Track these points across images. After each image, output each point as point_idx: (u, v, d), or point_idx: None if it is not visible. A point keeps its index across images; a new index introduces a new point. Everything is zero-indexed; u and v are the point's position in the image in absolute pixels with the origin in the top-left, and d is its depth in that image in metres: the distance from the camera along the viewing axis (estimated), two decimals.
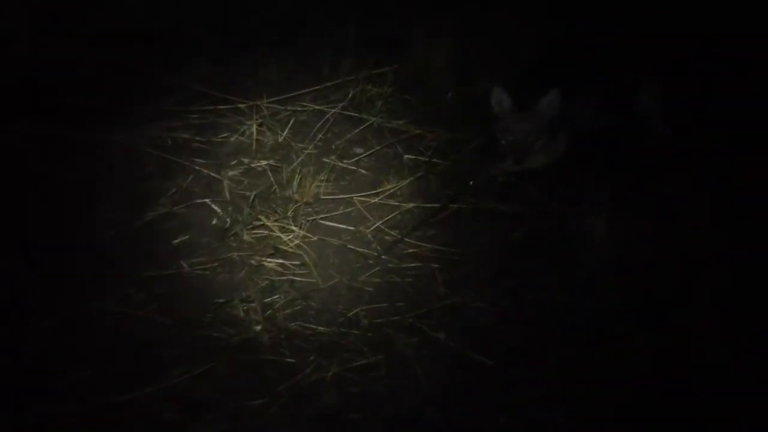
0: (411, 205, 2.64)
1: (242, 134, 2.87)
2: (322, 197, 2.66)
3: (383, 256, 2.45)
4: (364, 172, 2.79)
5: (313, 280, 2.37)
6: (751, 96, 2.83)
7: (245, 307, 2.25)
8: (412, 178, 2.74)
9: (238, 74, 3.14)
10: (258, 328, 2.20)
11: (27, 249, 2.37)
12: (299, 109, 3.00)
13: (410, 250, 2.49)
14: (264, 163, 2.76)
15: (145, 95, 2.97)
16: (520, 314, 2.27)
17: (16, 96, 2.88)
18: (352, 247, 2.49)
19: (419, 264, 2.44)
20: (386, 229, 2.56)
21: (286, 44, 3.27)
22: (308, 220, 2.56)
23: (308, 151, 2.82)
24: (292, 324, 2.22)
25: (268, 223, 2.52)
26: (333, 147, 2.87)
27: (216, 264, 2.39)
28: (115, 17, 3.17)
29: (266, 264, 2.41)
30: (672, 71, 2.83)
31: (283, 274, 2.38)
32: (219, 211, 2.56)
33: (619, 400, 2.02)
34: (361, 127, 2.95)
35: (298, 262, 2.42)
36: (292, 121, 2.93)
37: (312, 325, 2.22)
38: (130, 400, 1.96)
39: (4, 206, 2.50)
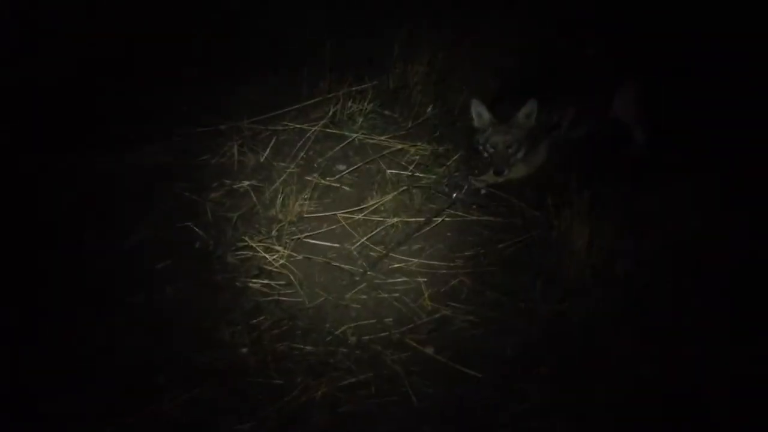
0: (395, 219, 2.64)
1: (223, 156, 2.86)
2: (306, 215, 2.65)
3: (369, 272, 2.44)
4: (347, 188, 2.78)
5: (300, 300, 2.35)
6: (731, 98, 2.86)
7: (231, 330, 2.23)
8: (395, 193, 2.74)
9: (218, 96, 3.13)
10: (244, 350, 2.17)
11: (9, 277, 2.34)
12: (280, 128, 3.00)
13: (396, 265, 2.48)
14: (246, 183, 2.75)
15: (124, 119, 2.95)
16: (508, 325, 2.27)
17: None
18: (337, 264, 2.48)
19: (405, 279, 2.44)
20: (371, 245, 2.55)
21: (265, 64, 3.27)
22: (293, 239, 2.55)
23: (290, 170, 2.81)
24: (279, 345, 2.20)
25: (253, 244, 2.50)
26: (315, 165, 2.87)
27: (200, 287, 2.37)
28: (93, 41, 3.15)
29: (251, 285, 2.39)
30: (649, 77, 2.86)
31: (268, 295, 2.36)
32: (202, 233, 2.54)
33: (612, 406, 2.01)
34: (343, 144, 2.95)
35: (283, 282, 2.41)
36: (273, 141, 2.92)
37: (299, 345, 2.20)
38: (118, 428, 1.93)
39: None
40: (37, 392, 2.01)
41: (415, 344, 2.21)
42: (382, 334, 2.25)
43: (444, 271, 2.47)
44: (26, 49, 3.10)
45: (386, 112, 3.12)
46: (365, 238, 2.57)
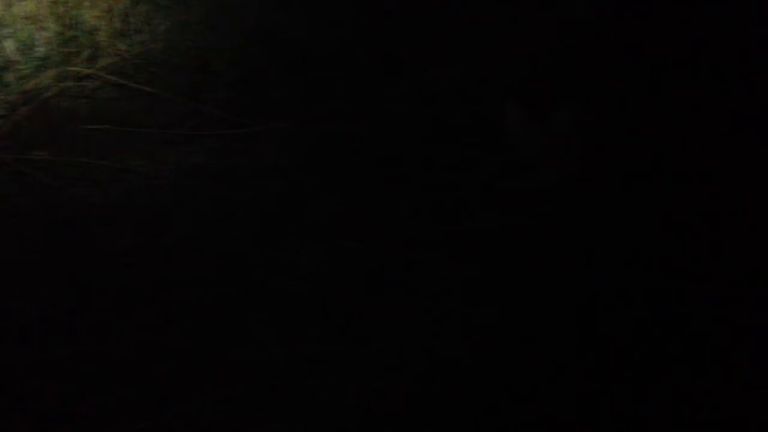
0: None
1: (255, 155, 2.88)
2: None
3: None
4: None
5: None
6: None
7: None
8: None
9: (254, 98, 3.16)
10: None
11: (45, 276, 2.39)
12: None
13: None
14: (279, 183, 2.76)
15: (160, 120, 3.00)
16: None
17: None
18: None
19: None
20: None
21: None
22: None
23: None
24: None
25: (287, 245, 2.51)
26: None
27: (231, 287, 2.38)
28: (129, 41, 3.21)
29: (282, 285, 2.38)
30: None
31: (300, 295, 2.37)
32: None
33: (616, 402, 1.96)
34: None
35: None
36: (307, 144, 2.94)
37: None
38: (147, 428, 1.95)
39: (23, 232, 2.53)
40: (63, 394, 2.03)
41: None
42: None
43: None
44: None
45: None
46: None
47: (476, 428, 1.92)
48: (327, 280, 2.37)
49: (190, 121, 3.04)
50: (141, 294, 2.34)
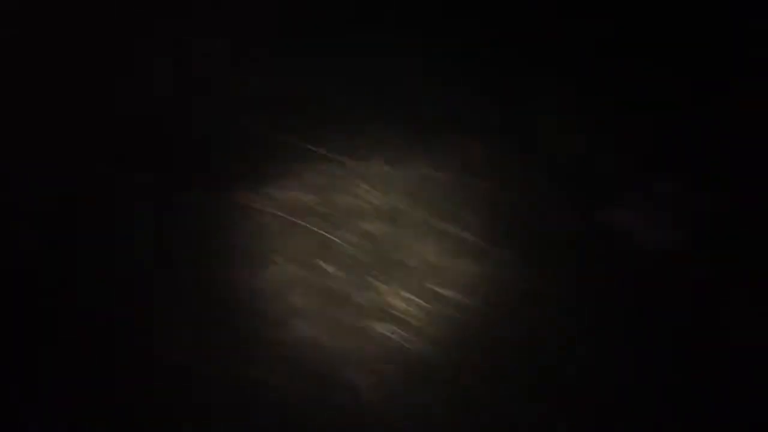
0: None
1: (356, 196, 2.87)
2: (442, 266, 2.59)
3: None
4: None
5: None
6: None
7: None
8: None
9: (355, 136, 3.15)
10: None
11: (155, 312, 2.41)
12: (412, 171, 2.98)
13: None
14: (378, 225, 2.74)
15: (259, 155, 3.03)
16: None
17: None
18: None
19: None
20: None
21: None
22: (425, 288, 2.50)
23: (419, 214, 2.78)
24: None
25: (383, 287, 2.47)
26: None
27: (328, 328, 2.36)
28: None
29: (378, 329, 2.35)
30: None
31: (395, 342, 2.31)
32: (332, 272, 2.55)
33: None
34: None
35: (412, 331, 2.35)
36: (404, 183, 2.91)
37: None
38: None
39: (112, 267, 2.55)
40: None
41: None
42: None
43: None
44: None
45: None
46: None
47: None
48: None
49: None
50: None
